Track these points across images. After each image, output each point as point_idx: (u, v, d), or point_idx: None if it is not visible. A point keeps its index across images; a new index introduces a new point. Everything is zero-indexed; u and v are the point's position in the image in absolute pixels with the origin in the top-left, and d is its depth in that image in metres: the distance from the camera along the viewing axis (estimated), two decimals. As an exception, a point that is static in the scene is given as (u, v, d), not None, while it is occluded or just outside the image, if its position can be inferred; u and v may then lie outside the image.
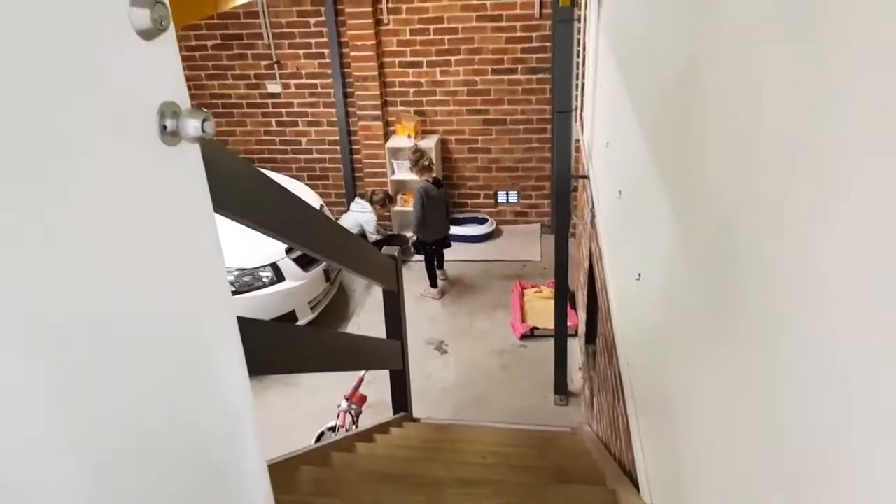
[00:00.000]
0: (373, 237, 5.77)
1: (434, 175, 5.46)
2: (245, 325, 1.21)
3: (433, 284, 5.67)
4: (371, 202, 5.87)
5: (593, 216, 3.16)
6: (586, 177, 3.53)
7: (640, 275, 1.63)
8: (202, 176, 0.92)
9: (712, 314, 0.96)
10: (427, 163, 5.38)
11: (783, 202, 0.70)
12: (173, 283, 0.86)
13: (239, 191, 1.28)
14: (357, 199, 6.01)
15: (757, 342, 0.76)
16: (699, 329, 1.04)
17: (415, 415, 3.63)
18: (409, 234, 6.16)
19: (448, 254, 5.92)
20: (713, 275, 0.95)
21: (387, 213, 6.25)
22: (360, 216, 5.79)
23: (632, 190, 1.91)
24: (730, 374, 0.86)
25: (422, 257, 5.69)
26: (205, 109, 0.80)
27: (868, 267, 0.53)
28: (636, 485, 1.60)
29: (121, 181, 0.74)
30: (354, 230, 5.68)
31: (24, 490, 0.63)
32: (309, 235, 1.76)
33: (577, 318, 4.79)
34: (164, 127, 0.78)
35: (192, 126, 0.79)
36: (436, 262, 5.66)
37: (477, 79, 6.05)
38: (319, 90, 6.33)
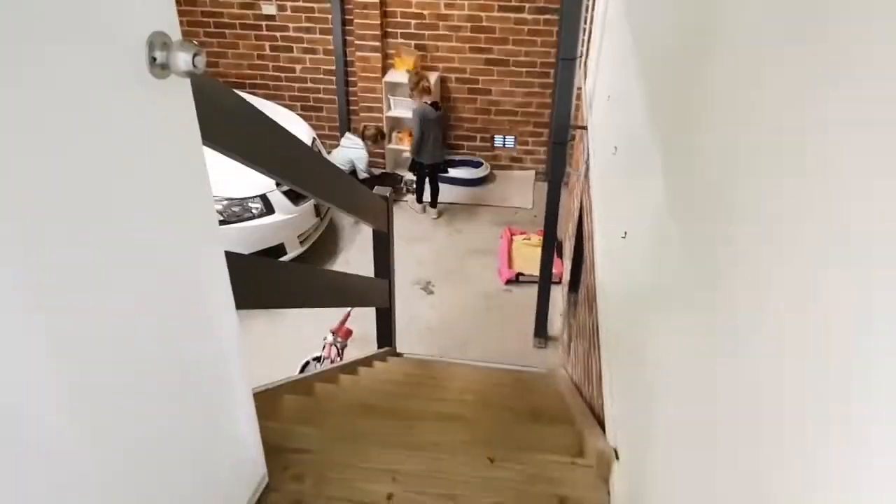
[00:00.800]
0: (363, 175, 5.72)
1: (431, 98, 5.45)
2: (233, 259, 1.23)
3: (419, 199, 5.81)
4: (363, 138, 5.78)
5: (588, 168, 3.16)
6: (584, 128, 3.50)
7: (626, 233, 1.65)
8: (191, 109, 0.91)
9: (695, 276, 0.98)
10: (426, 84, 5.38)
11: (783, 158, 0.71)
12: (160, 212, 0.87)
13: (228, 124, 1.27)
14: (348, 135, 5.90)
15: (741, 301, 0.77)
16: (680, 289, 1.07)
17: (399, 350, 3.70)
18: (402, 173, 6.13)
19: (442, 194, 5.92)
20: (703, 239, 0.97)
21: (379, 150, 6.20)
22: (350, 152, 5.72)
23: (627, 148, 1.90)
24: (708, 331, 0.88)
25: (412, 180, 5.81)
26: (195, 43, 0.78)
27: (872, 230, 0.53)
28: (603, 429, 1.67)
29: (108, 113, 0.74)
30: (345, 167, 5.64)
31: (25, 429, 0.65)
32: (298, 172, 1.76)
33: (563, 267, 4.85)
34: (154, 59, 0.77)
35: (183, 60, 0.78)
36: (430, 194, 5.73)
37: (482, 14, 5.89)
38: (317, 15, 6.15)
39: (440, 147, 5.59)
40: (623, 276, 1.74)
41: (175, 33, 0.79)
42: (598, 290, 2.17)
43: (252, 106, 1.40)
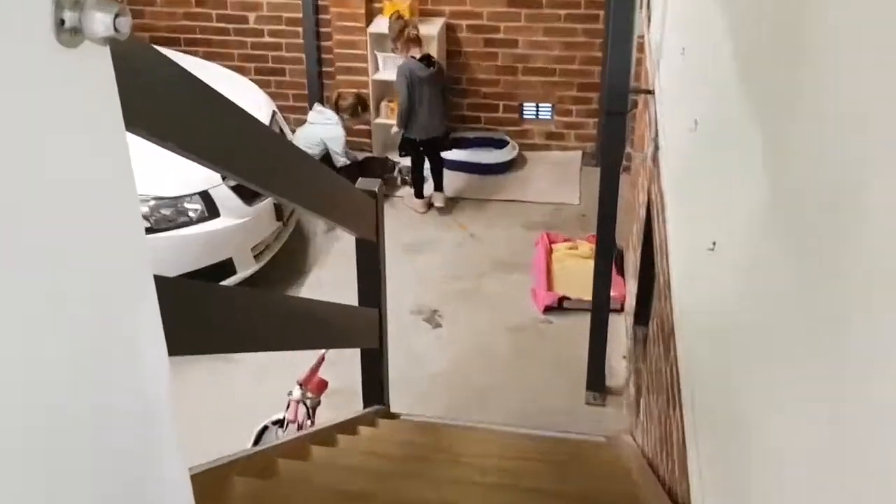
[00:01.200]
0: (340, 161, 5.73)
1: (423, 51, 5.53)
2: (164, 285, 1.23)
3: (418, 194, 5.86)
4: (337, 110, 5.80)
5: (656, 148, 3.16)
6: (650, 92, 3.50)
7: (714, 243, 1.65)
8: (111, 86, 0.92)
9: (817, 307, 0.97)
10: (413, 32, 5.48)
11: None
12: (63, 222, 0.88)
13: (160, 103, 1.28)
14: (318, 107, 5.93)
15: (882, 355, 0.77)
16: (796, 326, 1.06)
17: (393, 409, 3.70)
18: (395, 158, 6.16)
19: (450, 185, 5.94)
20: (823, 254, 0.96)
21: (363, 127, 6.23)
22: (322, 130, 5.74)
23: (713, 121, 1.90)
24: (840, 395, 0.87)
25: (408, 167, 5.87)
26: (117, 1, 0.79)
27: None
28: (690, 525, 1.66)
29: (2, 91, 0.75)
30: (314, 150, 5.67)
31: None
32: (253, 163, 1.77)
33: (625, 288, 4.83)
34: (62, 22, 0.78)
35: (101, 22, 0.79)
36: (429, 171, 5.80)
37: (503, -63, 5.96)
38: (276, -57, 6.24)
39: (438, 115, 5.64)
40: (713, 305, 1.73)
41: (90, -14, 0.80)
42: (676, 324, 2.16)
43: (192, 77, 1.41)
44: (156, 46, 5.13)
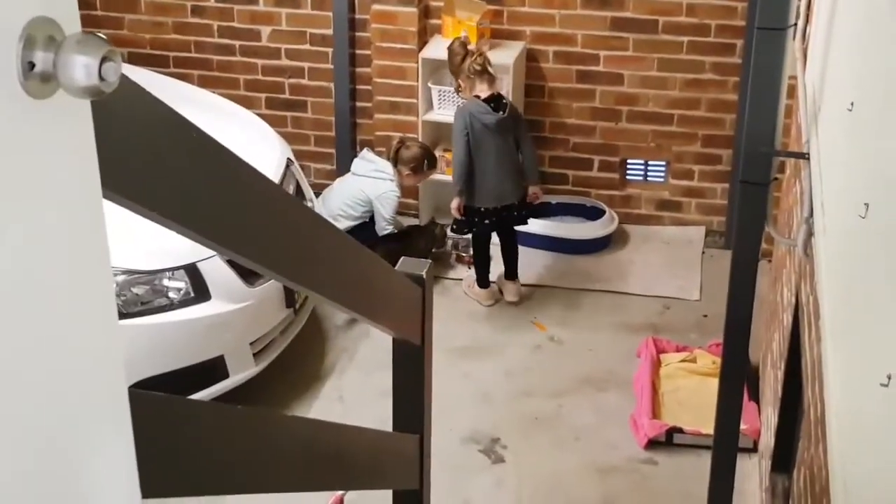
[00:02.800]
0: (386, 228, 5.81)
1: (493, 88, 5.59)
2: (140, 402, 1.25)
3: (483, 282, 5.88)
4: (396, 161, 5.87)
5: (810, 234, 3.13)
6: (804, 156, 3.49)
7: (889, 376, 1.63)
8: (89, 148, 0.95)
9: None
10: (478, 63, 5.52)
11: None
12: (20, 321, 0.90)
13: (142, 162, 1.32)
14: (366, 154, 6.04)
15: None
16: None
17: (433, 578, 3.66)
18: (441, 222, 6.21)
19: (525, 267, 5.95)
20: None
21: (418, 184, 6.31)
22: (369, 186, 5.83)
23: (893, 205, 1.89)
24: None
25: (467, 239, 5.96)
26: (105, 38, 0.83)
27: None
28: None
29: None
30: (355, 211, 5.76)
31: None
32: (258, 239, 1.80)
33: (760, 421, 4.74)
34: (31, 65, 0.82)
35: (82, 67, 0.82)
36: (503, 261, 5.82)
37: (607, -60, 6.08)
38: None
39: (512, 176, 5.68)
40: (889, 458, 1.70)
41: (70, 23, 0.83)
42: (833, 480, 2.12)
43: (185, 123, 1.45)
44: (136, 68, 5.24)
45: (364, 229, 5.75)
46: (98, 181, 0.99)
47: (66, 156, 0.92)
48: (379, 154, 6.04)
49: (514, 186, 5.70)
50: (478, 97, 5.53)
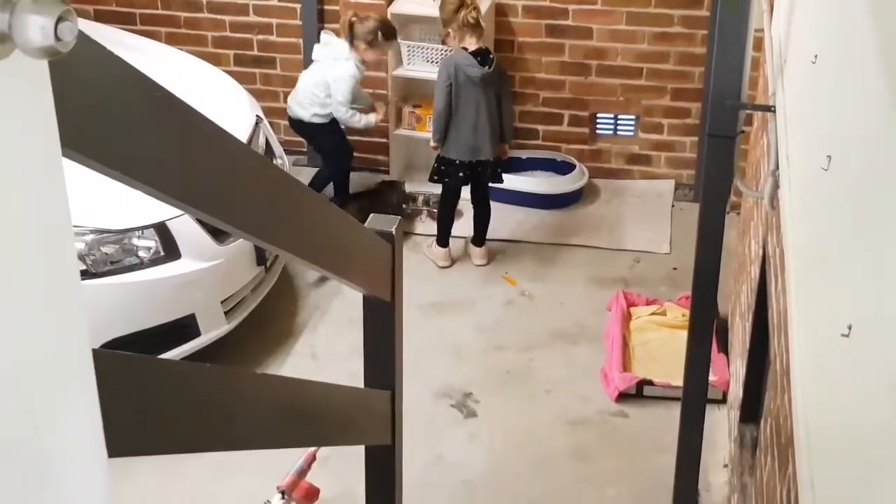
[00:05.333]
0: (343, 114, 5.77)
1: (480, 43, 5.55)
2: (106, 362, 1.25)
3: (442, 241, 5.88)
4: (352, 38, 5.72)
5: (776, 186, 3.15)
6: (770, 109, 3.50)
7: (850, 327, 1.64)
8: (47, 107, 0.95)
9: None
10: (473, 17, 5.47)
11: None
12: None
13: (103, 120, 1.31)
14: (324, 37, 5.91)
15: None
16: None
17: (407, 530, 3.69)
18: (414, 186, 6.20)
19: (496, 222, 5.95)
20: None
21: (376, 139, 6.24)
22: (327, 69, 5.76)
23: (854, 160, 1.90)
24: None
25: (437, 189, 5.90)
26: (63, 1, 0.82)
27: None
28: None
29: None
30: (317, 98, 5.75)
31: None
32: (225, 197, 1.80)
33: (729, 372, 4.79)
34: (-13, 26, 0.81)
35: (38, 28, 0.81)
36: (473, 222, 5.83)
37: None
38: None
39: (489, 133, 5.66)
40: (847, 406, 1.72)
41: (26, -18, 0.83)
42: (798, 429, 2.14)
43: (148, 81, 1.44)
44: (101, 24, 5.21)
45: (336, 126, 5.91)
46: (57, 141, 0.99)
47: (23, 116, 0.91)
48: (337, 34, 5.92)
49: (491, 143, 5.68)
50: (465, 49, 5.50)
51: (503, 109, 5.75)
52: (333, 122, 5.86)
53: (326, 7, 6.46)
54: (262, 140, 5.29)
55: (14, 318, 0.97)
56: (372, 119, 5.90)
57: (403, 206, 6.10)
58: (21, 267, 0.97)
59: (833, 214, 2.10)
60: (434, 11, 5.94)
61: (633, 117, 6.49)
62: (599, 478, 4.55)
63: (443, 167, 5.69)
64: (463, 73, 5.47)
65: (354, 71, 5.72)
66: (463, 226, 5.96)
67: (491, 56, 5.61)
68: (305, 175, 6.06)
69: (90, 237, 4.36)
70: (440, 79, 5.54)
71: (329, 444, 3.51)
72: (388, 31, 5.77)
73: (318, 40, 6.48)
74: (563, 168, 6.47)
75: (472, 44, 5.50)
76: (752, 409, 3.88)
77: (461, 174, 5.69)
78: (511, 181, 6.20)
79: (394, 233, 2.94)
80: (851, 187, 1.90)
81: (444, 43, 5.76)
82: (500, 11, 6.30)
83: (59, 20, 0.82)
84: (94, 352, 1.17)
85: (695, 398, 4.08)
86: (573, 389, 5.03)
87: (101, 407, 1.18)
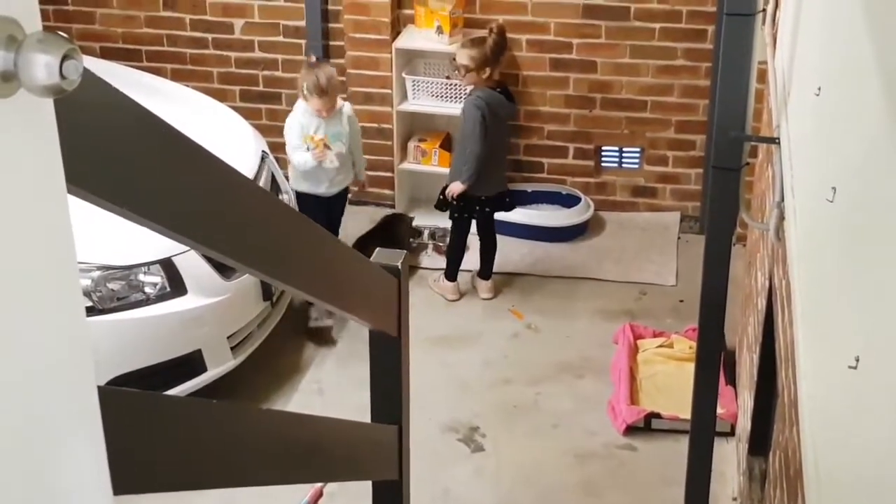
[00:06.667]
0: (293, 163, 5.50)
1: (498, 79, 5.57)
2: (112, 399, 1.25)
3: (451, 275, 5.85)
4: (305, 90, 5.41)
5: (782, 218, 3.15)
6: (775, 141, 3.51)
7: (857, 359, 1.64)
8: (52, 146, 0.95)
9: None
10: (495, 44, 5.43)
11: None
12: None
13: (109, 158, 1.32)
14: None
15: None
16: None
17: (414, 567, 3.66)
18: (425, 221, 6.20)
19: (501, 255, 5.95)
20: None
21: (382, 174, 6.21)
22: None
23: (857, 192, 1.90)
24: None
25: (444, 229, 5.92)
26: (66, 37, 0.83)
27: None
28: None
29: None
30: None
31: None
32: (232, 233, 1.80)
33: (737, 404, 4.77)
34: (-9, 65, 0.82)
35: (44, 67, 0.82)
36: (480, 255, 5.83)
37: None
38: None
39: (507, 164, 5.78)
40: (856, 440, 1.71)
41: (31, 21, 0.83)
42: (806, 463, 2.13)
43: (154, 119, 1.45)
44: (108, 62, 5.22)
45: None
46: (62, 178, 0.99)
47: (28, 153, 0.92)
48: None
49: (505, 176, 5.80)
50: (492, 88, 5.49)
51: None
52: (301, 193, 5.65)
53: (332, 43, 6.50)
54: (267, 175, 5.30)
55: (19, 355, 0.97)
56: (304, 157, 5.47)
57: (410, 240, 6.10)
58: (26, 304, 0.97)
59: (838, 246, 2.10)
60: (439, 46, 5.98)
61: (637, 150, 6.49)
62: (612, 509, 4.52)
63: (463, 203, 5.67)
64: (493, 112, 5.47)
65: (291, 121, 5.54)
66: (468, 259, 5.95)
67: (510, 92, 5.69)
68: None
69: (96, 273, 4.36)
70: (473, 120, 5.44)
71: (336, 479, 3.49)
72: (316, 89, 5.37)
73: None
74: (569, 201, 6.47)
75: (493, 79, 5.51)
76: (760, 442, 3.86)
77: (486, 208, 5.72)
78: (516, 214, 6.20)
79: (400, 267, 2.94)
80: (856, 218, 1.89)
81: (461, 78, 5.63)
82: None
83: (65, 58, 0.83)
84: (100, 389, 1.17)
85: (703, 431, 4.06)
86: (580, 423, 5.01)
87: (106, 444, 1.17)
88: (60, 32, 0.84)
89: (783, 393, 2.88)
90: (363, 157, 5.93)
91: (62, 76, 0.84)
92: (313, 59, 5.76)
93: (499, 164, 5.66)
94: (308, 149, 5.42)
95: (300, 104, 5.52)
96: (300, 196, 5.61)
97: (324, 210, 5.64)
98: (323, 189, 5.62)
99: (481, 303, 5.87)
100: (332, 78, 5.44)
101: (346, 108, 5.67)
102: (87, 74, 1.00)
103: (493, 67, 5.49)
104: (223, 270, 4.64)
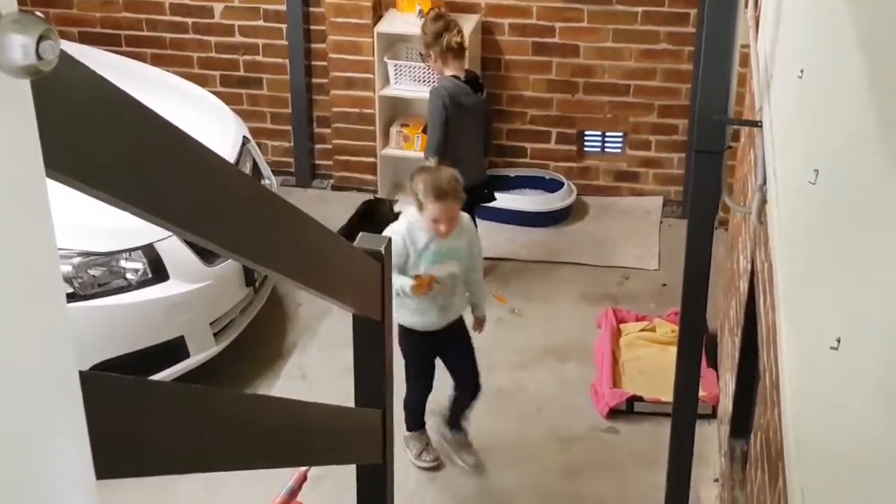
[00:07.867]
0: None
1: (467, 68, 5.53)
2: (93, 384, 1.25)
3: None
4: (421, 195, 4.40)
5: (763, 201, 3.16)
6: (757, 124, 3.52)
7: (839, 340, 1.64)
8: (30, 127, 0.94)
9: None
10: (457, 41, 5.41)
11: None
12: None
13: (88, 141, 1.31)
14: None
15: None
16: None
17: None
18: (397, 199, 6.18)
19: (484, 241, 5.91)
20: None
21: (364, 159, 6.17)
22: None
23: (840, 174, 1.90)
24: None
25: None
26: (42, 17, 0.82)
27: None
28: None
29: None
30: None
31: None
32: (213, 217, 1.79)
33: (718, 387, 4.79)
34: (-34, 46, 0.81)
35: (20, 47, 0.81)
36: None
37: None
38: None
39: (479, 157, 5.66)
40: (837, 420, 1.72)
41: (6, 1, 0.82)
42: (787, 444, 2.14)
43: (133, 102, 1.44)
44: (86, 46, 5.20)
45: None
46: (41, 162, 0.98)
47: (6, 136, 0.91)
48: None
49: (481, 166, 5.69)
50: (457, 78, 5.42)
51: (487, 128, 5.77)
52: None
53: (313, 27, 6.46)
54: (249, 160, 5.28)
55: (3, 341, 0.97)
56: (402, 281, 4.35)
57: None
58: (5, 291, 0.97)
59: (821, 228, 2.10)
60: (413, 27, 5.93)
61: (620, 134, 6.49)
62: (590, 494, 4.53)
63: None
64: (457, 102, 5.40)
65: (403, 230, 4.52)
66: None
67: (480, 81, 5.61)
68: (294, 196, 6.05)
69: (77, 260, 4.35)
70: (434, 111, 5.42)
71: (320, 463, 3.50)
72: (435, 190, 4.42)
73: (305, 59, 6.52)
74: (552, 186, 6.47)
75: (456, 69, 5.43)
76: (741, 424, 3.88)
77: None
78: (499, 199, 6.17)
79: (383, 252, 2.94)
80: (839, 200, 1.90)
81: (424, 62, 5.71)
82: (486, 30, 6.31)
83: (41, 39, 0.82)
84: (82, 373, 1.17)
85: (685, 413, 4.07)
86: (564, 407, 5.02)
87: (88, 429, 1.17)
88: (37, 12, 0.83)
89: (765, 375, 2.89)
90: (483, 284, 4.90)
91: (39, 57, 0.83)
92: (431, 161, 4.83)
93: (470, 154, 5.51)
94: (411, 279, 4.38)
95: (410, 214, 4.57)
96: (403, 332, 4.52)
97: (431, 350, 4.67)
98: (431, 319, 4.55)
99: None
100: (454, 179, 4.51)
101: (465, 220, 4.71)
102: (65, 57, 0.99)
103: (448, 58, 5.39)
104: (205, 256, 4.62)
